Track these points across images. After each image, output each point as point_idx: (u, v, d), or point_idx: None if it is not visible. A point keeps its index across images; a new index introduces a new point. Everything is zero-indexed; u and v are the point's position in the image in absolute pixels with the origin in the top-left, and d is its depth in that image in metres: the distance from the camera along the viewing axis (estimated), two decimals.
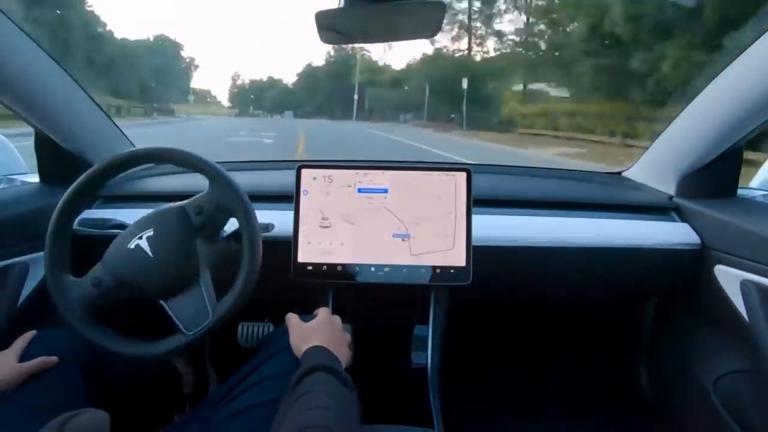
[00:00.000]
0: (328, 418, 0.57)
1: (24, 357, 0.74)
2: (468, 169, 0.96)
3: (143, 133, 12.20)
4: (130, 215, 0.84)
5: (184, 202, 0.82)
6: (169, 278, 0.78)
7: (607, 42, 14.31)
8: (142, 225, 0.80)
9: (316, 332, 0.76)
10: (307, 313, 0.84)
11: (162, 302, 0.79)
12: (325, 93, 45.72)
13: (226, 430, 0.71)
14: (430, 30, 0.74)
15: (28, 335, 0.78)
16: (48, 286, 0.78)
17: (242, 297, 0.78)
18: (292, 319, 0.80)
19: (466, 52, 28.97)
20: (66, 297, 0.77)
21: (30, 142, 1.07)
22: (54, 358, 0.75)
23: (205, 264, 0.80)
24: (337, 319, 0.84)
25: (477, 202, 0.97)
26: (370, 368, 0.92)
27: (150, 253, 0.78)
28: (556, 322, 1.39)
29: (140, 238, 0.78)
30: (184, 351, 0.80)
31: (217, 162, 0.84)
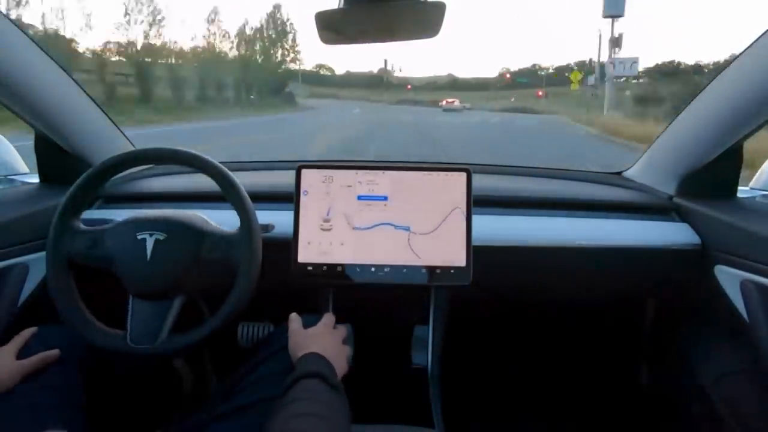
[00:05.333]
0: (314, 426, 0.56)
1: (23, 354, 0.74)
2: (468, 169, 0.96)
3: None
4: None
5: (210, 228, 0.82)
6: (150, 285, 0.79)
7: None
8: (159, 223, 0.80)
9: (315, 340, 0.76)
10: (309, 313, 0.84)
11: (132, 297, 0.79)
12: None
13: (224, 428, 0.71)
14: (431, 30, 0.74)
15: (27, 332, 0.78)
16: (47, 241, 0.79)
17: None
18: (295, 322, 0.80)
19: None
20: (58, 244, 0.79)
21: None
22: (55, 352, 0.75)
23: (187, 290, 0.81)
24: (341, 329, 0.83)
25: (477, 202, 0.97)
26: (370, 368, 0.92)
27: (149, 254, 0.78)
28: (556, 322, 1.39)
29: (150, 235, 0.79)
30: (122, 358, 0.80)
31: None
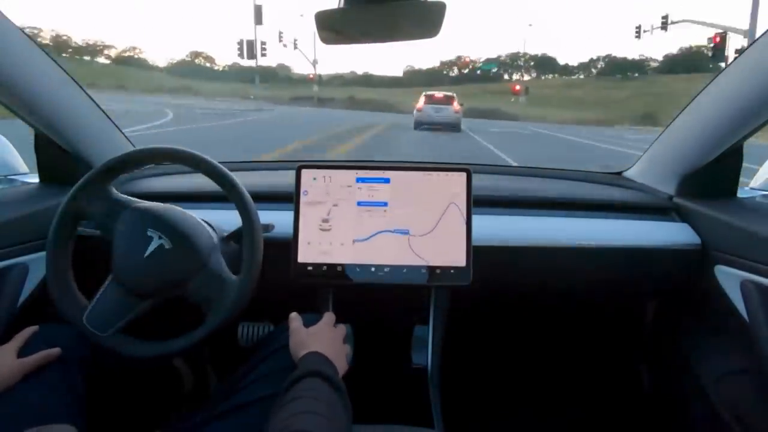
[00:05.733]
0: (314, 423, 0.56)
1: (24, 352, 0.74)
2: (468, 169, 0.96)
3: None
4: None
5: (213, 263, 0.81)
6: (130, 278, 0.79)
7: None
8: (174, 231, 0.79)
9: (315, 338, 0.76)
10: (310, 312, 0.84)
11: (111, 276, 0.80)
12: None
13: (223, 426, 0.71)
14: (431, 30, 0.74)
15: (28, 330, 0.78)
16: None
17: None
18: (295, 321, 0.80)
19: None
20: (76, 197, 0.81)
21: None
22: (56, 350, 0.74)
23: (156, 298, 0.81)
24: (341, 328, 0.83)
25: (477, 202, 0.97)
26: (370, 368, 0.92)
27: (146, 254, 0.77)
28: (557, 322, 1.39)
29: (159, 237, 0.78)
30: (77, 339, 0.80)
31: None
